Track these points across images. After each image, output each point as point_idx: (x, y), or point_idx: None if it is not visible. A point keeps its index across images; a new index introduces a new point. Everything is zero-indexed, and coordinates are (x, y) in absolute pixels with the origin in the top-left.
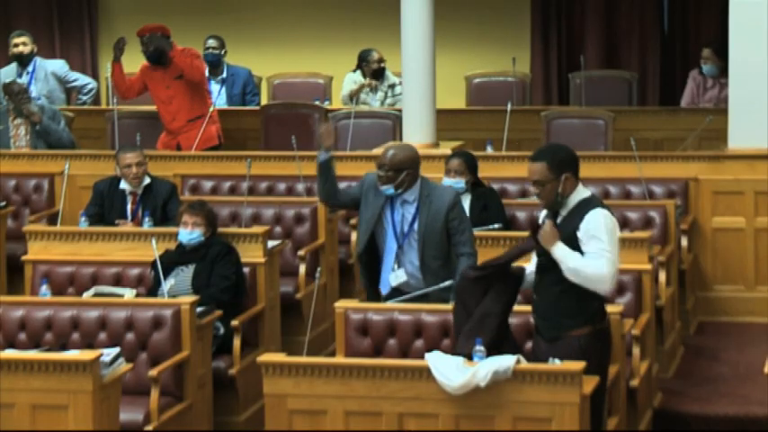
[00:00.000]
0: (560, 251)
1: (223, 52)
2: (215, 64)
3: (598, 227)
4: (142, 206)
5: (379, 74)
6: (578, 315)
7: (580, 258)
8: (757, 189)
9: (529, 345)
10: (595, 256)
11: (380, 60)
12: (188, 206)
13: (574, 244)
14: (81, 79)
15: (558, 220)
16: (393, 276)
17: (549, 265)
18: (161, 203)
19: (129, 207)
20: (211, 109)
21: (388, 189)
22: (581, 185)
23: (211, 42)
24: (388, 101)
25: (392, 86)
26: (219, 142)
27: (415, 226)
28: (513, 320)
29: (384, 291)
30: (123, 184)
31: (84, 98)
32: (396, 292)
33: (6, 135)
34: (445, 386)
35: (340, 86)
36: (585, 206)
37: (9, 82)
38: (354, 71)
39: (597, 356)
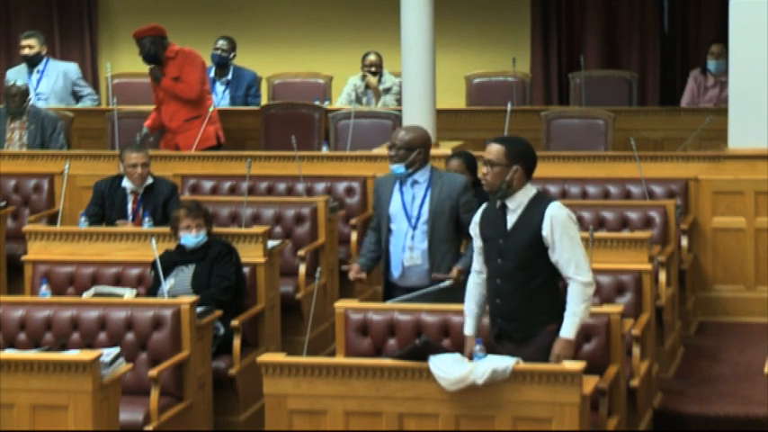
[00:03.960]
0: (575, 331)
1: (232, 55)
2: (222, 65)
3: (565, 222)
4: (143, 205)
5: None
6: (551, 310)
7: (576, 304)
8: (757, 189)
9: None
10: (571, 262)
11: (372, 65)
12: (187, 210)
13: (536, 242)
14: (87, 90)
15: (511, 216)
16: (407, 257)
17: (510, 268)
18: (162, 202)
19: (130, 206)
20: (211, 109)
21: (399, 168)
22: (530, 185)
23: (222, 44)
24: (380, 105)
25: (387, 90)
26: (218, 143)
27: (425, 207)
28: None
29: (396, 273)
30: (125, 183)
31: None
32: (397, 289)
33: (2, 138)
34: (441, 380)
35: (340, 86)
36: (540, 202)
37: (10, 85)
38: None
39: None
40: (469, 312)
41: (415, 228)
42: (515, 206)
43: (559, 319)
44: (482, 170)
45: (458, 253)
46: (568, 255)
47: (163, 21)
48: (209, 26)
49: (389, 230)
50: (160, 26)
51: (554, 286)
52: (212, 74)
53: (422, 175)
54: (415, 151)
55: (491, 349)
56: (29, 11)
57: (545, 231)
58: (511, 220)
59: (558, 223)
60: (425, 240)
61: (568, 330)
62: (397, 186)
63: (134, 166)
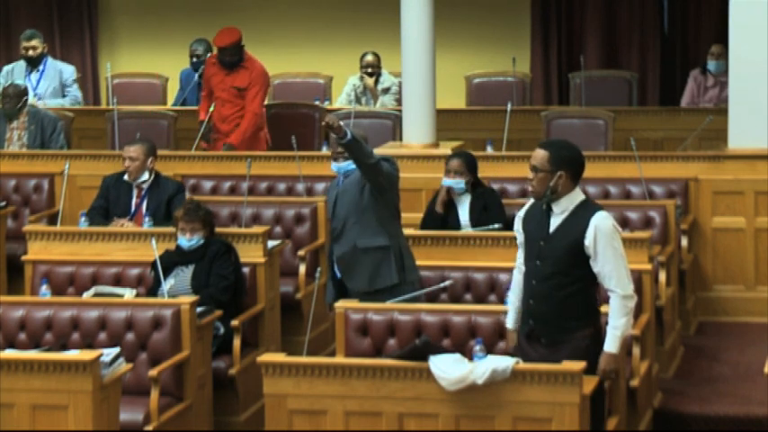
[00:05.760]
0: (618, 345)
1: (209, 55)
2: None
3: (609, 233)
4: (147, 201)
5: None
6: (584, 317)
7: (618, 318)
8: (757, 189)
9: (501, 344)
10: (613, 275)
11: (369, 65)
12: (184, 213)
13: (577, 250)
14: (72, 92)
15: (555, 219)
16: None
17: (548, 272)
18: (166, 199)
19: (133, 201)
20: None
21: (339, 166)
22: (578, 190)
23: (195, 48)
24: (378, 105)
25: (386, 90)
26: (267, 146)
27: (339, 204)
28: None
29: (339, 274)
30: (127, 176)
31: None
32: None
33: (2, 138)
34: (441, 380)
35: (340, 86)
36: (586, 209)
37: (7, 85)
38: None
39: (598, 355)
40: (512, 306)
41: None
42: (560, 210)
43: (593, 326)
44: (528, 175)
45: (369, 224)
46: (610, 267)
47: (163, 21)
48: (209, 26)
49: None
50: (238, 30)
51: (590, 293)
52: (196, 78)
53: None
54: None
55: (521, 348)
56: (29, 11)
57: (588, 241)
58: (554, 223)
59: (602, 234)
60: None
61: (611, 345)
62: (339, 183)
63: (124, 159)
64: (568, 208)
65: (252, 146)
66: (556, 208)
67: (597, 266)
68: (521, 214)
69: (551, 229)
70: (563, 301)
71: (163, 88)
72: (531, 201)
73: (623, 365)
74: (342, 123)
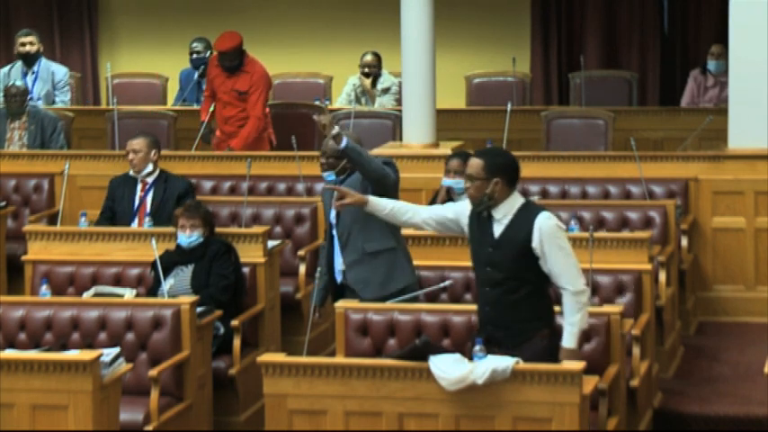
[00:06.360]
0: (576, 340)
1: (208, 54)
2: (199, 66)
3: (554, 233)
4: (152, 193)
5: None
6: (541, 318)
7: (572, 314)
8: (757, 189)
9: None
10: (563, 273)
11: (367, 65)
12: (184, 209)
13: (526, 253)
14: (63, 96)
15: (498, 225)
16: (339, 262)
17: (499, 278)
18: (176, 197)
19: (138, 194)
20: (211, 109)
21: (330, 175)
22: (517, 194)
23: (195, 46)
24: (377, 106)
25: (386, 90)
26: (271, 146)
27: (343, 212)
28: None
29: (338, 278)
30: (132, 172)
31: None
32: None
33: (2, 138)
34: (441, 380)
35: (340, 86)
36: (528, 212)
37: (9, 85)
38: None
39: (556, 355)
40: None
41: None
42: (501, 216)
43: (551, 326)
44: (465, 184)
45: (374, 229)
46: (560, 266)
47: (162, 21)
48: (209, 26)
49: (331, 236)
50: (239, 35)
51: (544, 293)
52: (196, 76)
53: (353, 182)
54: (344, 159)
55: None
56: (29, 11)
57: (535, 243)
58: (498, 229)
59: (547, 235)
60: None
61: (569, 340)
62: (331, 193)
63: (128, 153)
64: (510, 213)
65: (256, 146)
66: (496, 214)
67: (547, 266)
68: (469, 214)
69: (497, 235)
70: (518, 304)
71: (163, 88)
72: (472, 208)
73: (624, 366)
74: (338, 129)
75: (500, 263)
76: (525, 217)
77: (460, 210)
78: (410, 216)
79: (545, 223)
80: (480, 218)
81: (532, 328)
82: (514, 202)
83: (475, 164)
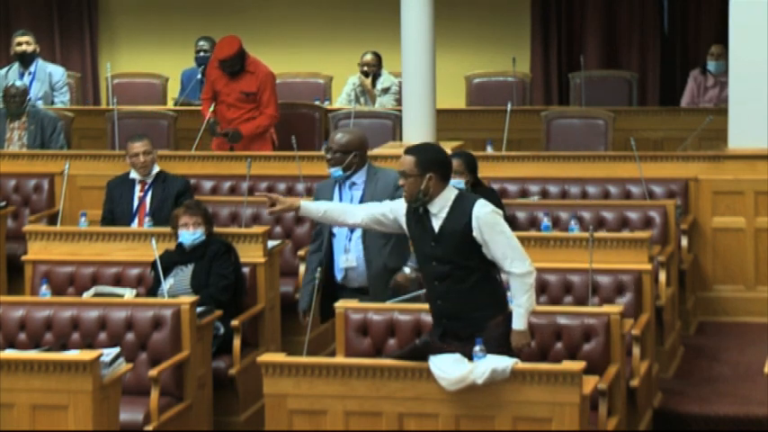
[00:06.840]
0: (525, 321)
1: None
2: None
3: (492, 220)
4: (151, 194)
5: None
6: (493, 304)
7: (520, 296)
8: (757, 189)
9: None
10: (506, 257)
11: (366, 65)
12: (185, 207)
13: (468, 243)
14: (62, 97)
15: (436, 220)
16: (343, 260)
17: (446, 270)
18: (174, 195)
19: (137, 195)
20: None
21: (337, 171)
22: (451, 187)
23: (202, 44)
24: (376, 106)
25: (386, 90)
26: (273, 146)
27: None
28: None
29: (339, 276)
30: (133, 174)
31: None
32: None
33: (2, 138)
34: (441, 380)
35: (340, 86)
36: (464, 202)
37: (9, 86)
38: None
39: (509, 340)
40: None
41: (352, 230)
42: (438, 210)
43: (503, 311)
44: (399, 182)
45: (400, 245)
46: (502, 250)
47: (162, 21)
48: (210, 26)
49: (332, 234)
50: (237, 40)
51: (492, 279)
52: (199, 75)
53: (359, 177)
54: (352, 154)
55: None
56: (29, 11)
57: (475, 232)
58: (437, 224)
59: (485, 223)
60: (360, 242)
61: (518, 322)
62: (336, 190)
63: (136, 155)
64: (446, 206)
65: (259, 145)
66: (432, 209)
67: (490, 253)
68: (405, 213)
69: (436, 229)
70: (468, 293)
71: (163, 88)
72: (407, 206)
73: (624, 366)
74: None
75: (444, 256)
76: (461, 208)
77: (397, 207)
78: (346, 218)
79: (481, 211)
80: (417, 214)
81: (487, 316)
82: (449, 195)
83: (407, 161)
